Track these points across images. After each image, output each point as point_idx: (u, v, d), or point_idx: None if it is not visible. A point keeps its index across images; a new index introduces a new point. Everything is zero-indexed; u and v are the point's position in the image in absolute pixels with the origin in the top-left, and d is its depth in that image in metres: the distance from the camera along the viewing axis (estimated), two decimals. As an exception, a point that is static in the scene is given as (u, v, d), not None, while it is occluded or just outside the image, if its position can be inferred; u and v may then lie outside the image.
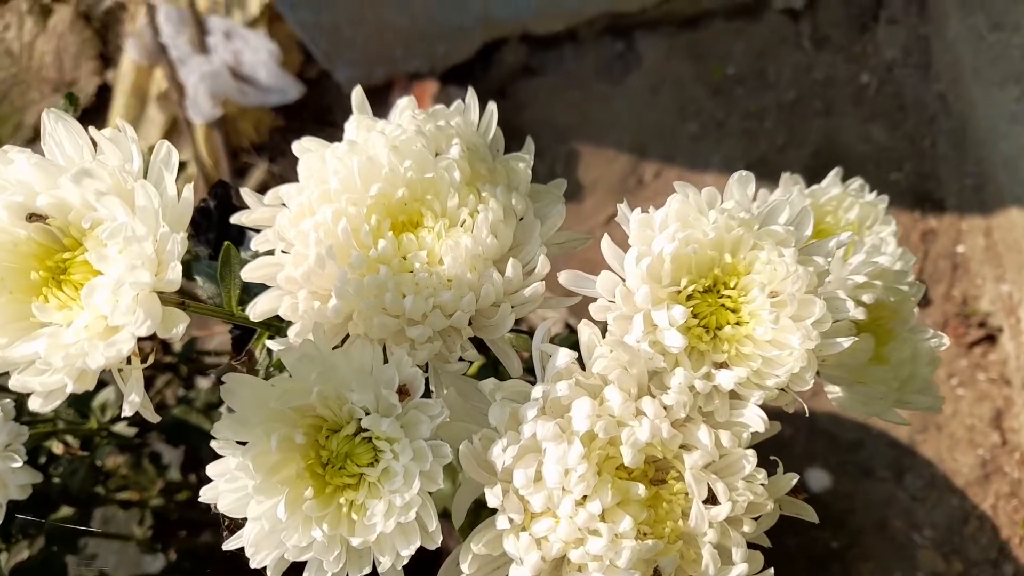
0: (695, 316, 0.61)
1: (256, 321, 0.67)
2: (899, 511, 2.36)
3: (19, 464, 0.86)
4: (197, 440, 1.42)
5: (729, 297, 0.62)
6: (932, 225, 2.55)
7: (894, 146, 2.65)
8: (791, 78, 2.82)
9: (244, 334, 0.80)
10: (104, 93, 3.27)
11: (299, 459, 0.59)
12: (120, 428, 1.21)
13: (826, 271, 0.61)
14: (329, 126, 3.03)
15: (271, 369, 0.74)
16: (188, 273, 1.06)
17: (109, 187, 0.51)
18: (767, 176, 2.83)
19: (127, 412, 0.52)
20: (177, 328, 0.51)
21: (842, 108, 2.75)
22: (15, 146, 0.54)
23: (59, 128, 0.55)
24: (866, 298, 0.72)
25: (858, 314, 0.67)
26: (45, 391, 0.50)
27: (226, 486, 0.57)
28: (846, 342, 0.60)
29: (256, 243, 0.68)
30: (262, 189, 2.56)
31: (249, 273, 0.66)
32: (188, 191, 0.54)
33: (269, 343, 0.69)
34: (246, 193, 0.71)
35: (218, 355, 1.63)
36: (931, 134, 2.63)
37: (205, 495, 0.59)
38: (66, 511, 1.44)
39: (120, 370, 0.52)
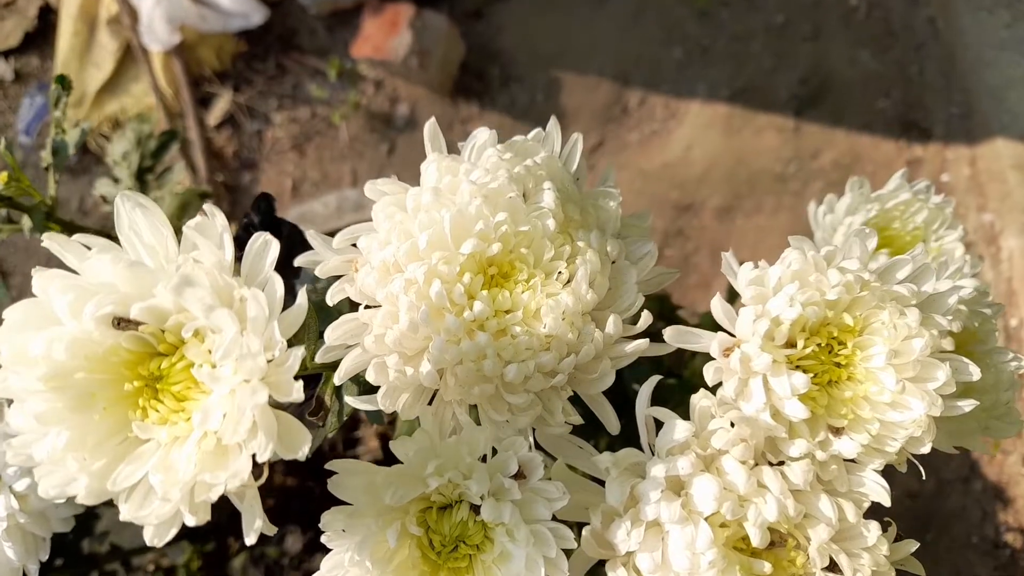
0: (811, 378, 0.59)
1: (339, 383, 0.63)
2: (876, 434, 2.43)
3: (62, 499, 0.82)
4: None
5: (843, 355, 0.60)
6: (918, 154, 2.55)
7: (882, 72, 2.61)
8: (779, 0, 2.73)
9: (308, 378, 0.75)
10: (47, 16, 3.04)
11: (411, 545, 0.56)
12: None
13: (948, 331, 0.59)
14: (295, 50, 2.87)
15: (344, 417, 0.70)
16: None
17: (210, 292, 0.46)
18: (755, 103, 2.78)
19: (251, 541, 0.49)
20: (303, 448, 0.47)
21: (831, 32, 2.69)
22: (93, 237, 0.47)
23: (137, 215, 0.49)
24: (954, 326, 0.70)
25: (947, 345, 0.66)
26: (159, 522, 0.46)
27: (340, 581, 0.55)
28: (967, 406, 0.59)
29: (332, 297, 0.63)
30: (227, 120, 2.44)
31: (332, 334, 0.61)
32: (303, 296, 0.49)
33: (350, 400, 0.65)
34: (312, 236, 0.65)
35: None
36: (919, 60, 2.60)
37: (313, 586, 0.56)
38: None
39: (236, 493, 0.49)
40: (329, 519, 0.54)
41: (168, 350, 0.50)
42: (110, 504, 1.45)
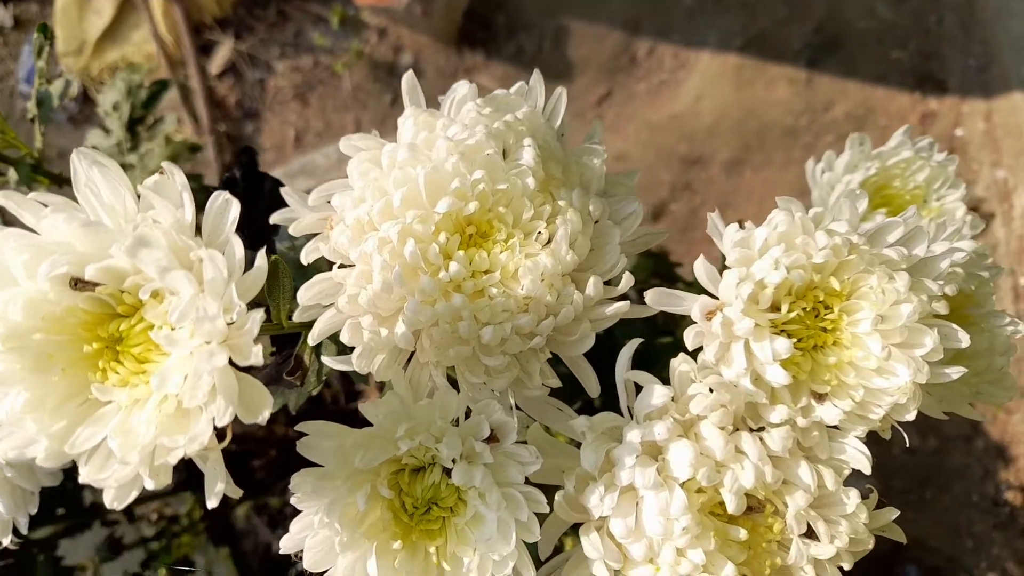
0: (795, 343, 0.57)
1: (314, 343, 0.62)
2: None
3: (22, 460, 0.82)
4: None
5: (829, 320, 0.58)
6: (932, 107, 2.48)
7: (899, 22, 2.54)
8: (795, -53, 2.64)
9: (285, 337, 0.74)
10: (46, -38, 2.98)
11: (383, 507, 0.56)
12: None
13: (938, 296, 0.57)
14: (297, -3, 2.81)
15: (323, 376, 0.70)
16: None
17: (166, 253, 0.44)
18: (767, 53, 2.71)
19: (212, 504, 0.48)
20: (264, 412, 0.46)
21: (847, -20, 2.60)
22: (50, 195, 0.46)
23: (95, 173, 0.47)
24: (949, 290, 0.68)
25: (941, 309, 0.64)
26: (119, 485, 0.45)
27: (310, 541, 0.54)
28: (954, 373, 0.57)
29: (306, 256, 0.62)
30: (229, 69, 2.41)
31: (305, 294, 0.60)
32: (262, 259, 0.48)
33: (327, 360, 0.64)
34: (287, 193, 0.64)
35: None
36: (937, 10, 2.52)
37: (286, 545, 0.56)
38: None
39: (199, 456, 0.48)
40: (298, 481, 0.53)
41: (127, 311, 0.48)
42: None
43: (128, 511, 1.65)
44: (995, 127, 2.41)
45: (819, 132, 2.52)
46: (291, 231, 0.63)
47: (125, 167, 1.24)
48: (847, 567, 0.57)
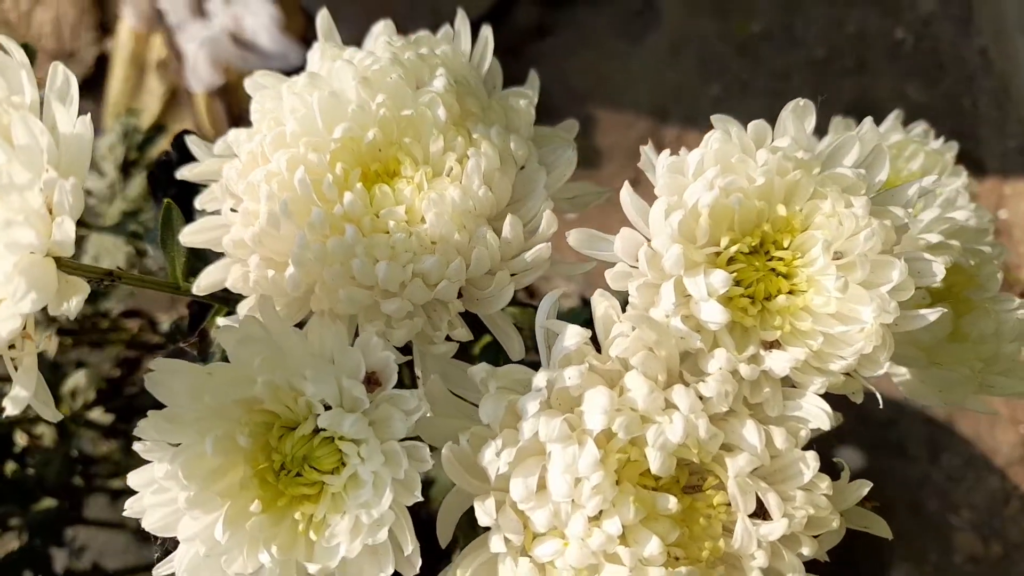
0: (738, 284, 0.48)
1: (203, 295, 0.55)
2: (934, 492, 2.23)
3: None
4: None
5: (781, 259, 0.49)
6: (973, 189, 2.37)
7: (931, 105, 2.48)
8: (821, 34, 2.65)
9: (203, 310, 0.68)
10: (103, 64, 3.16)
11: (245, 465, 0.47)
12: (96, 415, 1.10)
13: (906, 226, 0.48)
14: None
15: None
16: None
17: (-19, 122, 0.39)
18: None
19: (11, 410, 0.41)
20: (70, 302, 0.40)
21: (876, 65, 2.58)
22: None
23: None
24: (942, 261, 0.59)
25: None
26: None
27: (153, 499, 0.46)
28: (932, 315, 0.47)
29: (201, 201, 0.56)
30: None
31: (189, 237, 0.54)
32: (84, 125, 0.42)
33: (220, 320, 0.57)
34: (192, 142, 0.59)
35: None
36: (971, 93, 2.46)
37: (130, 508, 0.48)
38: (48, 502, 1.34)
39: (12, 358, 0.41)
40: (144, 425, 0.46)
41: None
42: (89, 523, 1.37)
43: (104, 583, 1.54)
44: (1041, 207, 2.29)
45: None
46: (186, 176, 0.58)
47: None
48: (807, 552, 0.45)
